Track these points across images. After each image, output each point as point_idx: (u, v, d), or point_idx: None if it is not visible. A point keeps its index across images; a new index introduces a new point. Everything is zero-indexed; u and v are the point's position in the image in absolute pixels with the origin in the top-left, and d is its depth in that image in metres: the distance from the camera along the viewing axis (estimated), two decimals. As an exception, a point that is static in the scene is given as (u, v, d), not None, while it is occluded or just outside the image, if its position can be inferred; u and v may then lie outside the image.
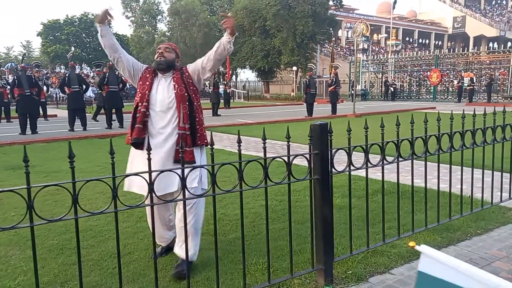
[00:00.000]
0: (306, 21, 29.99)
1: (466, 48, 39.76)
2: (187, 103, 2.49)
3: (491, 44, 57.41)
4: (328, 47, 35.05)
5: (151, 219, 2.28)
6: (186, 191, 1.87)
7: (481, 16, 59.21)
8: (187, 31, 36.45)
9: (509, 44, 36.43)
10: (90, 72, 31.15)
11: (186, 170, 1.89)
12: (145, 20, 42.97)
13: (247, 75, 58.26)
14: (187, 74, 2.59)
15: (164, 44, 2.68)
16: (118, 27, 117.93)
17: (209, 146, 1.97)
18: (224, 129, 10.71)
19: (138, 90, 2.56)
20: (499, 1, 65.81)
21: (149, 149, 1.71)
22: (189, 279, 2.01)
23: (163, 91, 2.50)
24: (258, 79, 39.77)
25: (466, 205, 3.20)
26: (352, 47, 32.93)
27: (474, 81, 23.00)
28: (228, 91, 22.51)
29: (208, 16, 38.87)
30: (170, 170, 1.88)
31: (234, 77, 45.11)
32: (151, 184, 1.72)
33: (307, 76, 16.28)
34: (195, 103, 2.55)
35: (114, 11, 2.52)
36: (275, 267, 2.55)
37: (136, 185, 2.45)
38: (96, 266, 2.66)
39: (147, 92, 2.49)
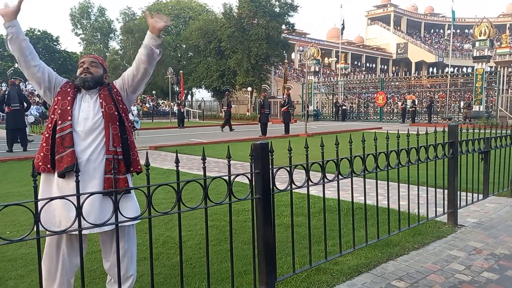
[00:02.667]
0: (260, 43, 30.74)
1: (408, 72, 42.60)
2: (118, 123, 2.16)
3: (431, 69, 62.04)
4: (282, 68, 36.04)
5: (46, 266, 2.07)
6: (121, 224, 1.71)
7: (421, 43, 64.03)
8: (141, 50, 35.93)
9: (446, 69, 39.62)
10: (35, 90, 29.56)
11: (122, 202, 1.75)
12: (96, 38, 41.93)
13: (202, 94, 58.23)
14: (115, 90, 2.27)
15: (88, 58, 2.31)
16: (67, 44, 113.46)
17: (144, 167, 1.88)
18: (177, 149, 10.52)
19: (55, 106, 2.15)
20: (437, 30, 71.63)
21: (77, 170, 1.61)
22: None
23: (88, 109, 2.15)
24: (214, 98, 39.87)
25: (404, 220, 3.35)
26: (304, 70, 34.09)
27: (416, 103, 24.58)
28: (182, 111, 22.26)
29: (163, 36, 38.64)
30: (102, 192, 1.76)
31: (189, 96, 44.88)
32: (79, 208, 1.62)
33: (261, 97, 16.55)
34: (126, 123, 2.23)
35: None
36: (218, 290, 2.49)
37: (64, 218, 2.01)
38: (24, 299, 2.45)
39: (69, 108, 2.11)
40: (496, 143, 4.40)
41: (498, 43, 28.35)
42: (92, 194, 1.72)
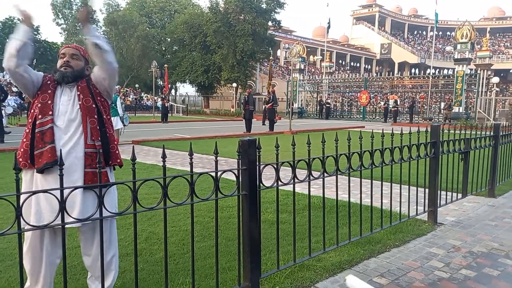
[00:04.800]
0: (246, 39, 30.62)
1: (391, 73, 43.28)
2: (96, 116, 2.14)
3: (413, 70, 63.16)
4: (267, 65, 36.05)
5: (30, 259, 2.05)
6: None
7: (404, 44, 65.01)
8: (125, 42, 35.36)
9: (428, 70, 40.42)
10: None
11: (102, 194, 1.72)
12: (78, 28, 40.94)
13: (186, 89, 57.69)
14: (92, 82, 2.22)
15: (70, 49, 2.22)
16: (48, 34, 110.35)
17: (131, 161, 1.85)
18: (159, 144, 10.41)
19: (35, 100, 2.10)
20: (420, 32, 72.83)
21: (61, 164, 1.58)
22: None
23: (68, 103, 2.12)
24: (198, 94, 39.57)
25: (386, 218, 3.41)
26: (289, 67, 34.23)
27: (398, 103, 25.01)
28: (166, 105, 22.01)
29: (147, 29, 38.07)
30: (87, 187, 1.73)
31: (173, 91, 44.40)
32: (62, 202, 1.58)
33: (246, 93, 16.53)
34: (105, 116, 2.20)
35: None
36: (202, 286, 2.48)
37: (47, 212, 1.97)
38: (1, 295, 2.39)
39: (49, 102, 2.07)
40: (475, 144, 4.52)
41: (479, 46, 29.10)
42: (76, 188, 1.69)
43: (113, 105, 8.67)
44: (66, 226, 1.66)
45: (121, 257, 2.91)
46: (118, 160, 2.24)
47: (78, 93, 2.14)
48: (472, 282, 2.57)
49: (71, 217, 1.66)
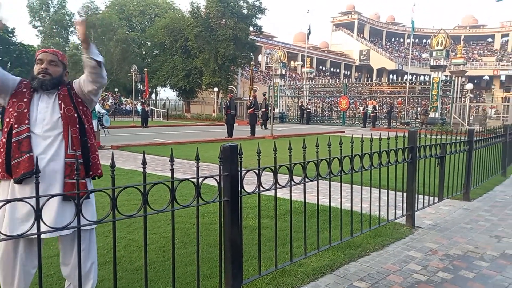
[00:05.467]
0: (228, 44, 30.65)
1: (370, 79, 44.15)
2: (77, 126, 2.08)
3: (391, 76, 64.55)
4: (248, 70, 36.15)
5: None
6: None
7: (383, 51, 66.45)
8: (104, 46, 34.80)
9: (405, 76, 41.48)
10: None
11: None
12: (55, 30, 40.10)
13: (167, 93, 57.13)
14: (74, 92, 2.16)
15: (48, 54, 2.14)
16: (24, 36, 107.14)
17: (110, 168, 1.81)
18: (139, 149, 10.26)
19: (10, 109, 2.02)
20: (397, 39, 74.61)
21: (37, 171, 1.53)
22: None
23: (46, 110, 2.05)
24: (179, 98, 39.26)
25: (366, 222, 3.45)
26: (271, 72, 34.45)
27: (377, 108, 25.50)
28: (146, 110, 21.75)
29: (127, 32, 37.61)
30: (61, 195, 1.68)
31: (153, 95, 43.94)
32: (38, 211, 1.54)
33: (227, 98, 16.53)
34: (87, 126, 2.15)
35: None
36: (183, 294, 2.45)
37: (22, 222, 1.91)
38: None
39: (26, 111, 2.00)
40: (451, 148, 4.65)
41: (453, 54, 30.01)
42: (53, 196, 1.64)
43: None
44: (43, 236, 1.61)
45: (100, 265, 2.84)
46: (99, 171, 2.20)
47: (60, 101, 2.09)
48: (448, 285, 2.64)
49: (47, 225, 1.61)
